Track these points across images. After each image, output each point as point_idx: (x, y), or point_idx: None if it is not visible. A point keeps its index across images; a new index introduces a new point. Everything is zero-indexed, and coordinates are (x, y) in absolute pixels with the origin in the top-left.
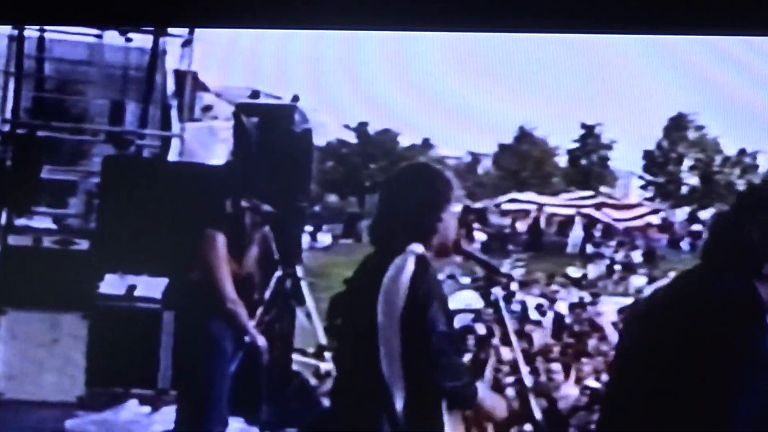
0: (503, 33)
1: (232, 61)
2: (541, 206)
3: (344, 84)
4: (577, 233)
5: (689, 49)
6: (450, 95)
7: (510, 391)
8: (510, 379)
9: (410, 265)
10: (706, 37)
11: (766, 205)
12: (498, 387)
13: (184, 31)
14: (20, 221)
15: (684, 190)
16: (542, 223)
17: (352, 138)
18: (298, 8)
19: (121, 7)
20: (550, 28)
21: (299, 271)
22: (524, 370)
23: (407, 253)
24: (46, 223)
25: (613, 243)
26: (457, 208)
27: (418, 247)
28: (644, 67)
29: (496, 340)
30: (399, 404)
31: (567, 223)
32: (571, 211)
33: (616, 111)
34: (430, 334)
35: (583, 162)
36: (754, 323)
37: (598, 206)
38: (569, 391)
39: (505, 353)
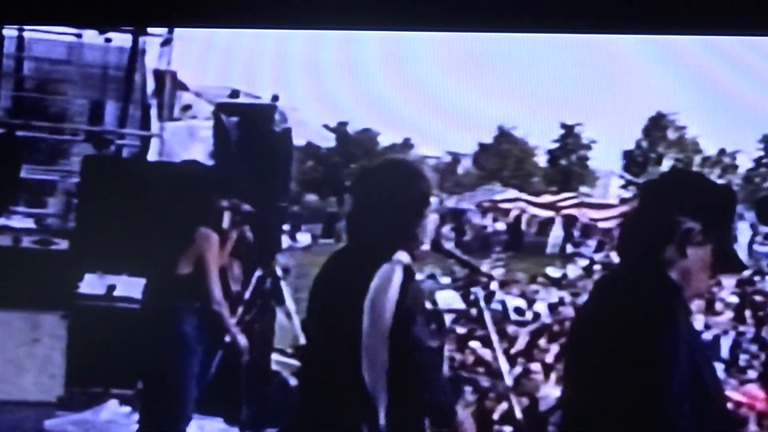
0: (484, 33)
1: (211, 61)
2: (521, 205)
3: (321, 82)
4: (557, 233)
5: (670, 48)
6: (432, 94)
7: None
8: (488, 380)
9: (398, 277)
10: (687, 36)
11: (657, 198)
12: (476, 388)
13: (163, 31)
14: None
15: None
16: (523, 223)
17: (331, 139)
18: (296, 8)
19: (101, 6)
20: (531, 28)
21: (279, 270)
22: (504, 369)
23: (394, 263)
24: (26, 222)
25: (592, 242)
26: (435, 205)
27: (404, 257)
28: (624, 67)
29: (475, 341)
30: (382, 419)
31: (547, 223)
32: (550, 212)
33: (596, 111)
34: (418, 349)
35: (563, 162)
36: (672, 303)
37: (578, 206)
38: (550, 392)
39: (485, 353)
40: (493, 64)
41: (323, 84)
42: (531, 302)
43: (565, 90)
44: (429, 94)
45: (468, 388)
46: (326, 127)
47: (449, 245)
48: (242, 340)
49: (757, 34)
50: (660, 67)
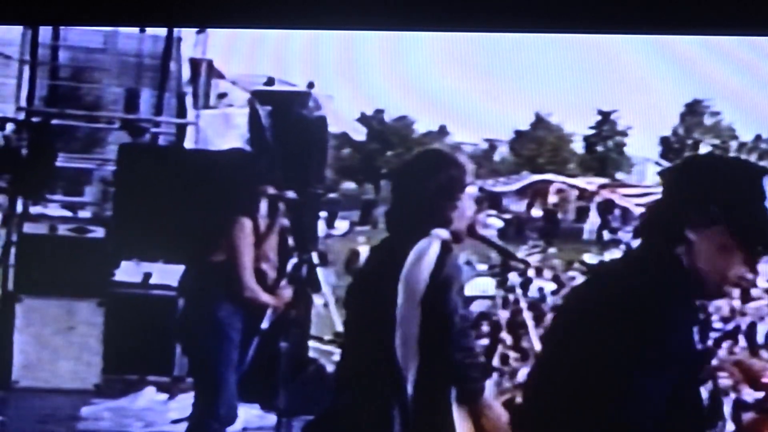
0: (516, 33)
1: (248, 48)
2: (558, 191)
3: (357, 71)
4: (593, 219)
5: (708, 41)
6: (470, 86)
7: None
8: (524, 367)
9: (435, 249)
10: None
11: (668, 187)
12: (513, 374)
13: None
14: (36, 209)
15: None
16: (558, 206)
17: (362, 132)
18: (298, 8)
19: (130, 5)
20: (559, 28)
21: (315, 257)
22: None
23: (432, 237)
24: (62, 210)
25: (630, 229)
26: (472, 191)
27: (442, 232)
28: (658, 58)
29: (504, 332)
30: (410, 389)
31: (584, 209)
32: (590, 187)
33: (633, 97)
34: (452, 316)
35: (599, 148)
36: (676, 287)
37: (614, 191)
38: None
39: (522, 340)
40: (530, 56)
41: (359, 73)
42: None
43: (601, 77)
44: (466, 87)
45: (505, 375)
46: (362, 115)
47: (485, 231)
48: (271, 299)
49: None
50: (697, 56)
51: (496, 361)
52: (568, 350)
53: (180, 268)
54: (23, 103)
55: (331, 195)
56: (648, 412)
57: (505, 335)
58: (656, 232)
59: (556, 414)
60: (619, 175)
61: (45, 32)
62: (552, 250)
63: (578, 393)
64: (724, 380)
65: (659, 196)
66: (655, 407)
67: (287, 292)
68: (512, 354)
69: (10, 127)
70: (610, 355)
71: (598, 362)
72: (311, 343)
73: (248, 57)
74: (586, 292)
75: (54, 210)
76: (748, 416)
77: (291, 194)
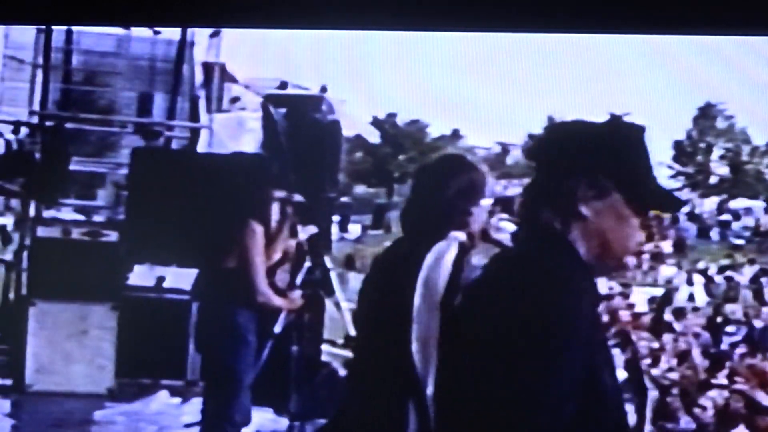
0: (528, 33)
1: (261, 52)
2: None
3: (369, 75)
4: None
5: (708, 52)
6: (483, 88)
7: None
8: None
9: (453, 251)
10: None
11: (540, 163)
12: None
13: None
14: (49, 213)
15: (713, 180)
16: None
17: (375, 135)
18: (310, 8)
19: (142, 6)
20: (572, 28)
21: (328, 261)
22: None
23: (450, 239)
24: (75, 214)
25: None
26: (487, 201)
27: (460, 235)
28: (671, 61)
29: None
30: (430, 389)
31: None
32: None
33: (644, 100)
34: None
35: None
36: (573, 283)
37: None
38: None
39: None
40: (543, 59)
41: (371, 76)
42: None
43: (614, 80)
44: (480, 89)
45: None
46: (375, 118)
47: (499, 235)
48: (283, 303)
49: None
50: (710, 60)
51: None
52: (461, 343)
53: (193, 272)
54: (36, 107)
55: (344, 199)
56: (550, 400)
57: None
58: (542, 214)
59: (462, 410)
60: None
61: (58, 36)
62: None
63: (475, 383)
64: (740, 385)
65: (534, 176)
66: (557, 395)
67: (300, 295)
68: None
69: (23, 130)
70: (503, 345)
71: (492, 353)
72: (324, 347)
73: (260, 61)
74: (481, 283)
75: (67, 214)
76: (764, 421)
77: (298, 198)
